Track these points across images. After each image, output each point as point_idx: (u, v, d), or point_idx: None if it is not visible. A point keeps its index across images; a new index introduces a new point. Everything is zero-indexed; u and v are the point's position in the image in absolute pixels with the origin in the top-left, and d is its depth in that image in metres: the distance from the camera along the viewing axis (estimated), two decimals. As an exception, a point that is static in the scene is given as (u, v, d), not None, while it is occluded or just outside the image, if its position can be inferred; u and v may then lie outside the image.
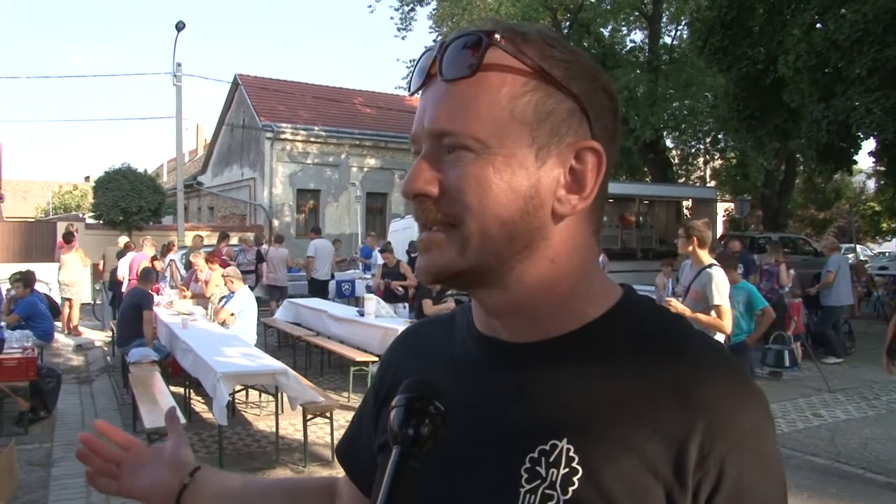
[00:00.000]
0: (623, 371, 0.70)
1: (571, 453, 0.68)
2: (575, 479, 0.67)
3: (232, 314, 7.49)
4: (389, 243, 12.17)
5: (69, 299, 11.39)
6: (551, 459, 0.69)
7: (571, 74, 0.71)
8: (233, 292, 7.71)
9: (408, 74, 20.11)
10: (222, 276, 8.27)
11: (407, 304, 9.80)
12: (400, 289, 9.76)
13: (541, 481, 0.68)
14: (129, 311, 7.51)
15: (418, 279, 0.77)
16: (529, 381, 0.73)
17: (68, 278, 11.30)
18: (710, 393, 0.68)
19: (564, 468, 0.68)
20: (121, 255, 11.80)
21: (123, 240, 12.80)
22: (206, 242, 13.08)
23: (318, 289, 12.75)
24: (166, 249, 12.09)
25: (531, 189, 0.70)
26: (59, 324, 10.46)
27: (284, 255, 12.62)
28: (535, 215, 0.71)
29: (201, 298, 9.14)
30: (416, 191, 0.71)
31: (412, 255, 12.50)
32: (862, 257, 23.16)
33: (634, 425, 0.68)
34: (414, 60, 0.78)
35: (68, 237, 11.91)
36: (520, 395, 0.73)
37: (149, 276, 8.16)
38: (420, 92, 0.75)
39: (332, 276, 13.61)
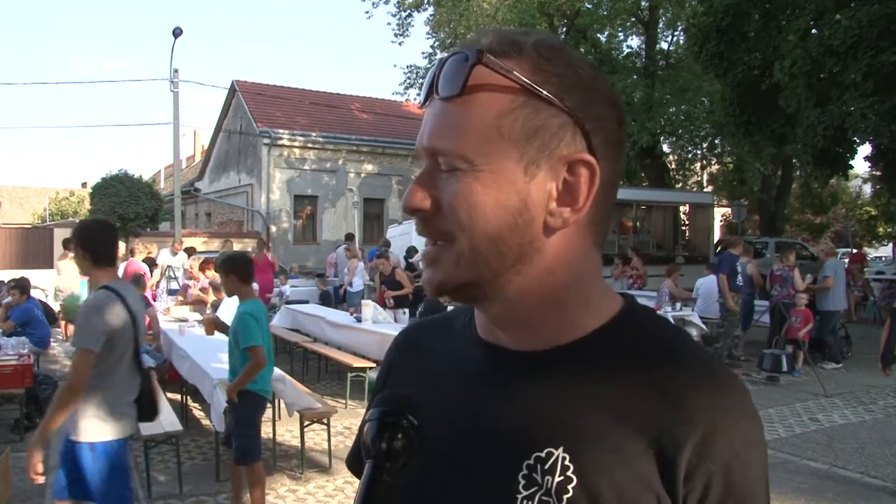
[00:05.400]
0: (620, 383, 0.71)
1: (567, 462, 0.69)
2: (570, 487, 0.68)
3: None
4: (385, 248, 12.03)
5: None
6: (547, 467, 0.69)
7: (565, 88, 0.70)
8: (220, 300, 7.68)
9: (404, 80, 20.14)
10: (209, 283, 8.24)
11: (407, 311, 9.74)
12: (391, 300, 9.67)
13: (537, 488, 0.69)
14: None
15: (425, 292, 0.77)
16: (528, 389, 0.74)
17: (65, 284, 11.27)
18: (703, 407, 0.68)
19: (559, 476, 0.69)
20: (123, 260, 11.84)
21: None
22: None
23: (328, 295, 12.80)
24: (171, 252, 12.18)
25: (520, 204, 0.70)
26: (56, 330, 10.42)
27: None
28: (526, 230, 0.70)
29: (199, 304, 9.12)
30: (411, 206, 0.73)
31: (410, 260, 12.46)
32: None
33: (629, 437, 0.68)
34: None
35: (67, 243, 11.88)
36: (518, 403, 0.73)
37: (140, 284, 8.15)
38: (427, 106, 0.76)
39: (351, 283, 12.51)
